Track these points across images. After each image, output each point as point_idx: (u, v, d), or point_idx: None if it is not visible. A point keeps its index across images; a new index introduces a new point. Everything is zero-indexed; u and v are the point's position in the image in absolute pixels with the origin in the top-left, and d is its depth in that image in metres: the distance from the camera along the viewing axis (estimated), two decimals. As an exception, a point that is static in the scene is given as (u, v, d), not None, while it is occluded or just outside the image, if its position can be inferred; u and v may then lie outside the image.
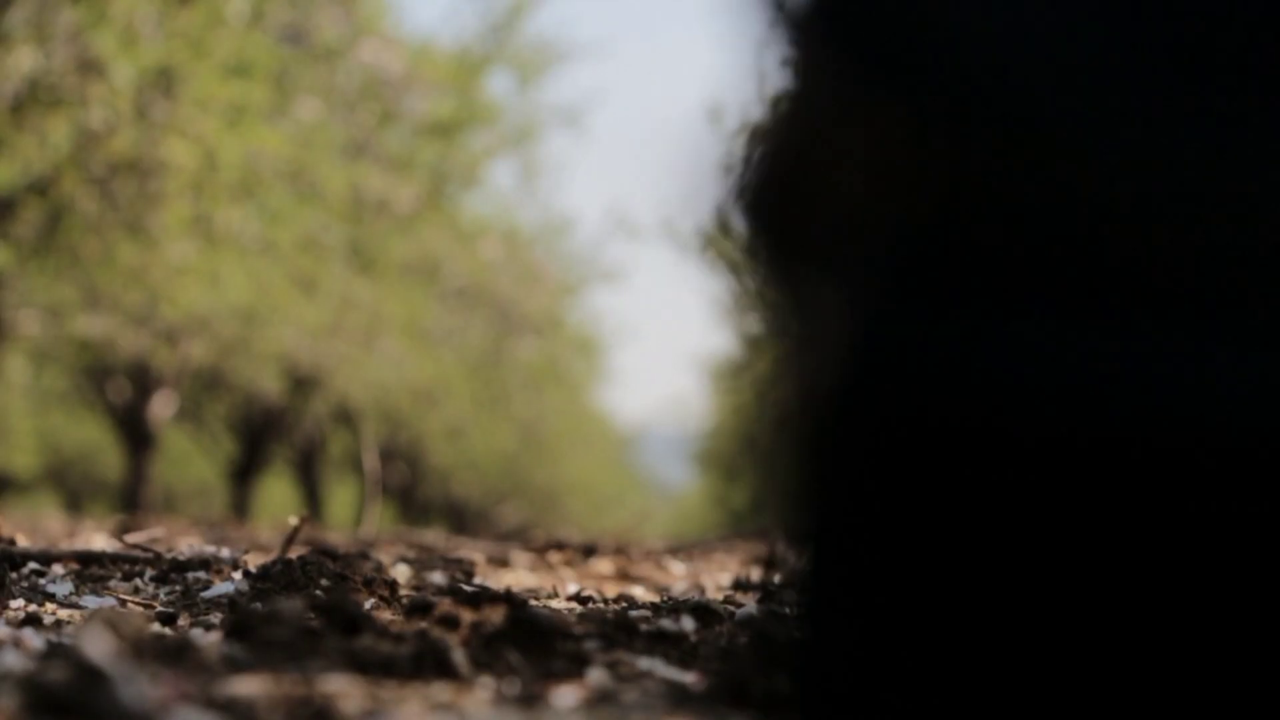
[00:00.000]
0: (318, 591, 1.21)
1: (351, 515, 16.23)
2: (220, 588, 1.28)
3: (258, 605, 0.83)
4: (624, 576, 2.23)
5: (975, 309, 0.74)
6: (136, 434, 12.27)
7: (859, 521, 0.74)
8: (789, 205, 0.88)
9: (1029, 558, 0.69)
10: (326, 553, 1.66)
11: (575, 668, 0.79)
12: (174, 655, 0.71)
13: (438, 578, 1.83)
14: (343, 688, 0.69)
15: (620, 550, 3.35)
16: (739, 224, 0.88)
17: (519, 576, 2.13)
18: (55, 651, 0.78)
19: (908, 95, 0.78)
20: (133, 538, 1.92)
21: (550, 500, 24.51)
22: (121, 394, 12.48)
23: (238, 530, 4.29)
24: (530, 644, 0.80)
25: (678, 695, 0.72)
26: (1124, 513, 0.69)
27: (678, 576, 2.51)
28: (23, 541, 1.73)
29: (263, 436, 14.98)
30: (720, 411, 24.60)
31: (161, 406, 12.29)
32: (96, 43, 6.23)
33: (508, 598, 1.47)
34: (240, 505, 14.34)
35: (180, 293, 8.10)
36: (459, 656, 0.76)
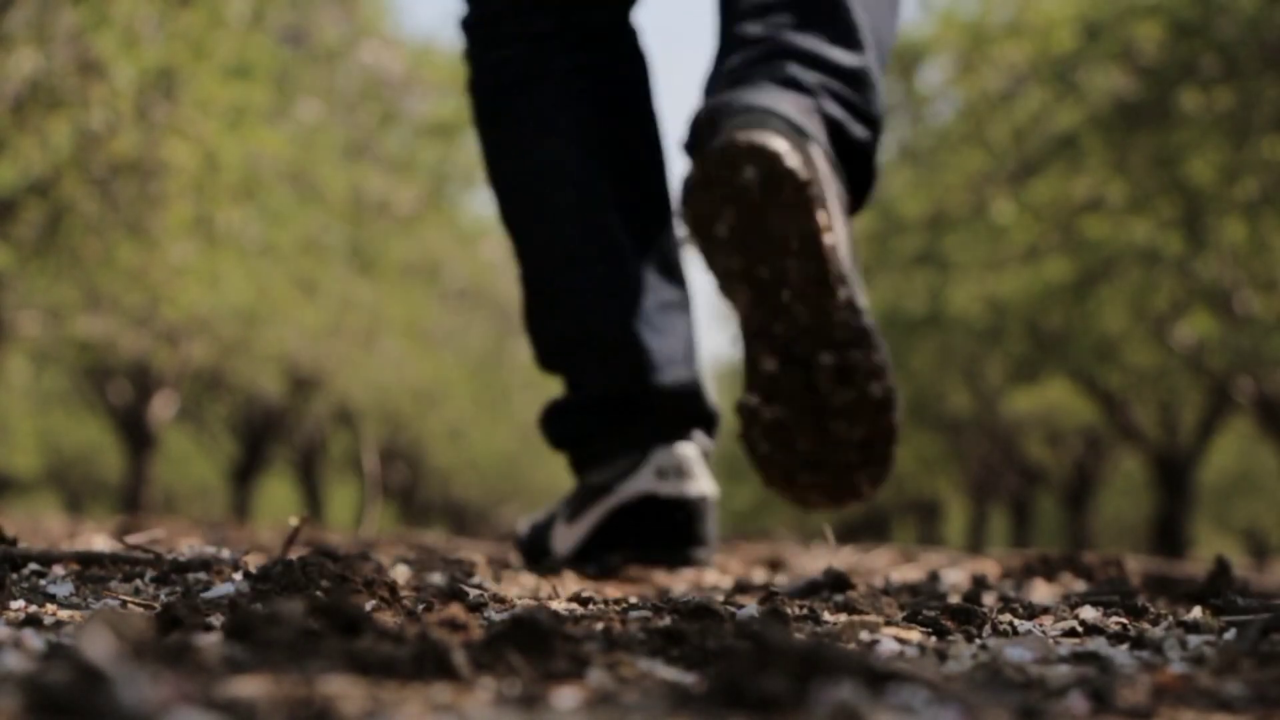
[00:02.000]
0: (318, 593, 1.21)
1: (352, 516, 16.22)
2: (221, 589, 1.28)
3: (258, 606, 0.84)
4: (624, 578, 2.23)
5: None
6: (137, 435, 12.27)
7: None
8: None
9: None
10: (327, 554, 1.66)
11: (576, 668, 0.79)
12: (174, 656, 0.71)
13: (438, 579, 1.83)
14: (343, 688, 0.69)
15: (621, 551, 3.34)
16: None
17: (520, 577, 2.13)
18: (56, 652, 0.79)
19: None
20: (133, 538, 1.92)
21: (551, 501, 24.54)
22: (122, 395, 12.48)
23: (238, 531, 4.29)
24: (531, 645, 0.80)
25: (678, 696, 0.72)
26: None
27: (678, 577, 2.51)
28: (23, 542, 1.73)
29: (263, 437, 14.98)
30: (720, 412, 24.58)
31: (162, 407, 12.29)
32: (97, 44, 6.23)
33: (508, 599, 1.47)
34: (241, 506, 14.35)
35: (181, 294, 8.10)
36: (460, 658, 0.76)
